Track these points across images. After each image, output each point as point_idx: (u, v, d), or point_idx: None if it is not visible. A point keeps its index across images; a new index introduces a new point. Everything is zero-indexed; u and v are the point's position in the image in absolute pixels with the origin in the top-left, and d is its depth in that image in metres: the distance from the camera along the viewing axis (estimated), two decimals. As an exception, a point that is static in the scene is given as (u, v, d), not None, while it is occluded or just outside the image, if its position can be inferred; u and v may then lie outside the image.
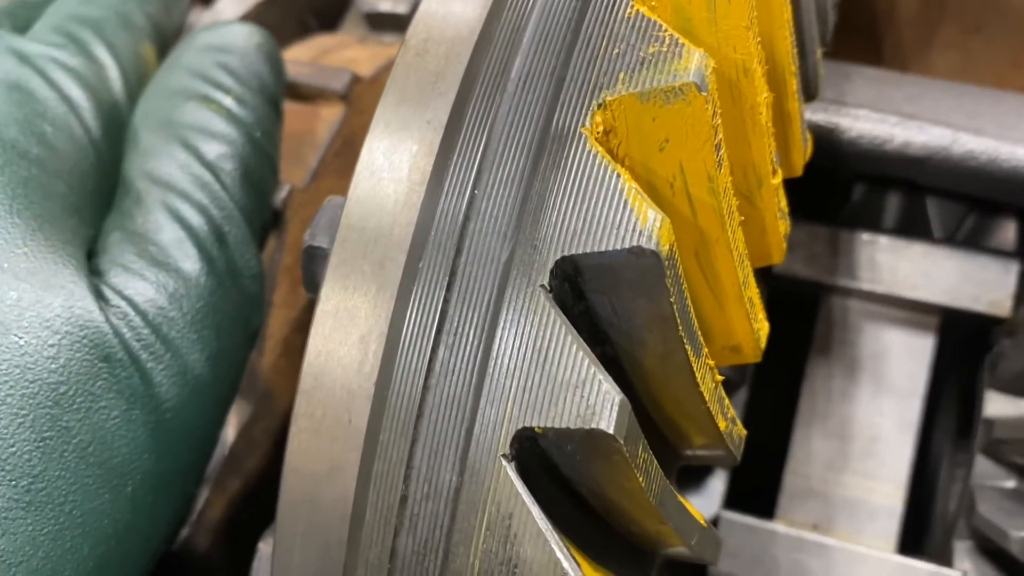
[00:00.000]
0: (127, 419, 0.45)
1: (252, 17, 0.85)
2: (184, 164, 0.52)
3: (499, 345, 0.40)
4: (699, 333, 0.42)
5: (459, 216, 0.43)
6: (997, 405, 0.68)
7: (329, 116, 0.73)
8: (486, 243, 0.42)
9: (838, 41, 1.06)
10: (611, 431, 0.37)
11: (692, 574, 0.68)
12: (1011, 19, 1.06)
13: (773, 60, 0.48)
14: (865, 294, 0.70)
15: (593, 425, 0.38)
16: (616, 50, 0.42)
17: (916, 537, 0.72)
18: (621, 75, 0.42)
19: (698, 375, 0.42)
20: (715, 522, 0.69)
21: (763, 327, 0.48)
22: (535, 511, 0.39)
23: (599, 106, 0.42)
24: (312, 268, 0.49)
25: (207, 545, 0.66)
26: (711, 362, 0.43)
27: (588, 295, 0.42)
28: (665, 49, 0.41)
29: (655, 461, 0.40)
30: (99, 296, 0.46)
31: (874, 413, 0.71)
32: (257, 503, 0.70)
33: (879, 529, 0.69)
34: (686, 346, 0.41)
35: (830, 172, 0.70)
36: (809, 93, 0.54)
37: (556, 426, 0.39)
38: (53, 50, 0.55)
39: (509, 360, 0.40)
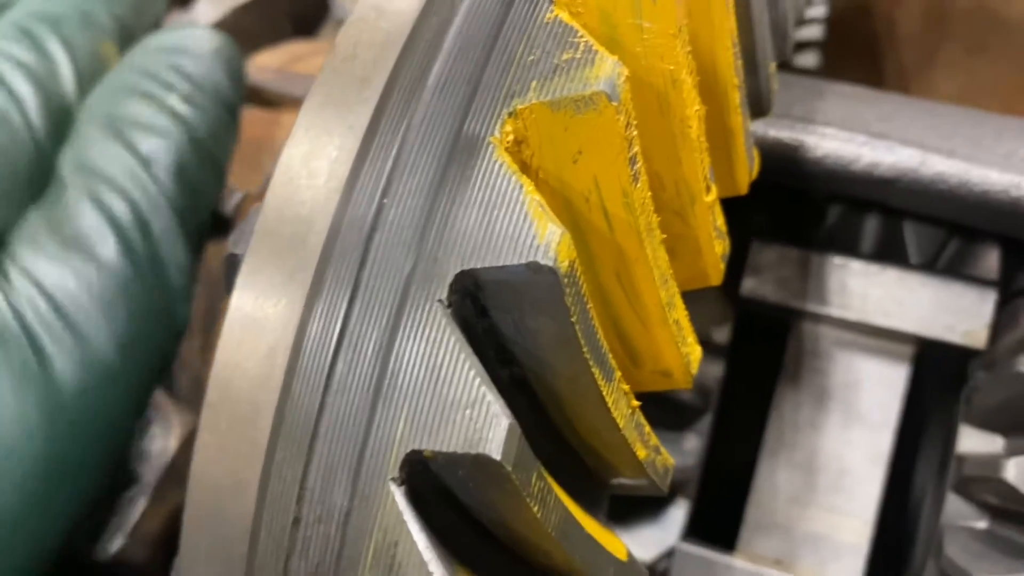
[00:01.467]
0: (18, 399, 0.44)
1: (229, 21, 0.84)
2: (115, 155, 0.52)
3: (395, 362, 0.38)
4: (609, 355, 0.40)
5: (366, 226, 0.41)
6: (970, 441, 0.65)
7: (291, 123, 0.71)
8: (390, 254, 0.40)
9: (838, 61, 1.03)
10: (498, 457, 0.35)
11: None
12: (1016, 40, 1.03)
13: (712, 72, 0.46)
14: (836, 321, 0.68)
15: (480, 450, 0.36)
16: (531, 56, 0.41)
17: (885, 574, 0.69)
18: (534, 83, 0.40)
19: (609, 400, 0.40)
20: (670, 553, 0.66)
21: (693, 351, 0.45)
22: (420, 539, 0.37)
23: (510, 114, 0.40)
24: (232, 276, 0.47)
25: (144, 557, 0.65)
26: (625, 386, 0.41)
27: (491, 312, 0.39)
28: (579, 56, 0.39)
29: (554, 491, 0.38)
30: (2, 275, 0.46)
31: (843, 445, 0.68)
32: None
33: (844, 567, 0.66)
34: (593, 369, 0.39)
35: (803, 193, 0.67)
36: (760, 108, 0.52)
37: (445, 450, 0.36)
38: (5, 44, 0.55)
39: (404, 378, 0.38)
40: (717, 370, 0.70)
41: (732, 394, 0.70)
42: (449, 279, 0.38)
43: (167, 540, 0.66)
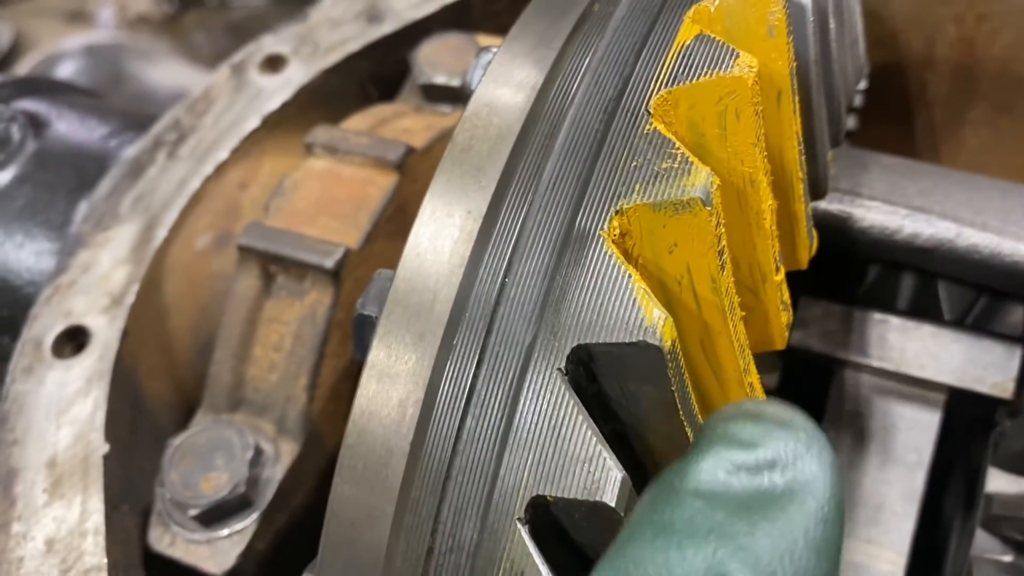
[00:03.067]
0: None
1: (316, 84, 0.92)
2: None
3: (519, 419, 0.46)
4: (699, 416, 0.47)
5: (491, 300, 0.49)
6: (998, 482, 0.72)
7: (384, 184, 0.79)
8: (513, 326, 0.48)
9: (871, 119, 1.11)
10: (613, 504, 0.43)
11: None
12: (1041, 101, 1.09)
13: (781, 168, 0.54)
14: (875, 370, 0.75)
15: (598, 498, 0.43)
16: (634, 163, 0.48)
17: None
18: (638, 186, 0.47)
19: (697, 453, 0.47)
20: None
21: (762, 409, 0.53)
22: (543, 569, 0.44)
23: (617, 212, 0.47)
24: (361, 333, 0.55)
25: (253, 572, 0.73)
26: (709, 442, 0.49)
27: (600, 379, 0.47)
28: (677, 165, 0.47)
29: (653, 530, 0.45)
30: None
31: (880, 483, 0.75)
32: (302, 537, 0.76)
33: (881, 594, 0.73)
34: (687, 428, 0.46)
35: (847, 255, 0.75)
36: (818, 192, 0.59)
37: (566, 496, 0.44)
38: None
39: (528, 434, 0.46)
40: (767, 413, 0.77)
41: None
42: (567, 351, 0.46)
43: (273, 559, 0.74)
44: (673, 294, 0.49)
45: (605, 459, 0.43)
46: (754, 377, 0.52)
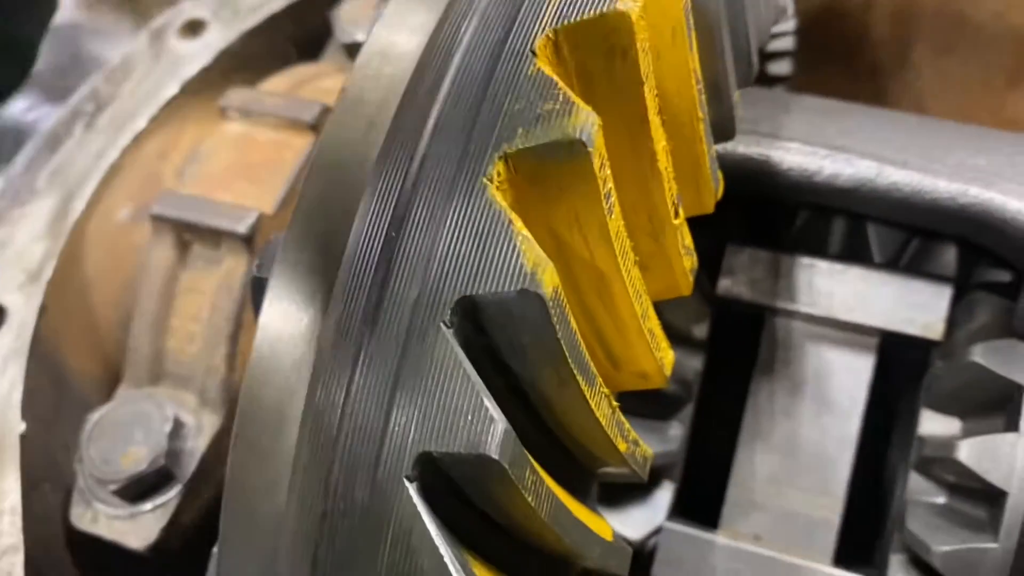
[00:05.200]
0: None
1: (237, 47, 0.89)
2: None
3: (405, 377, 0.44)
4: (591, 364, 0.46)
5: (376, 255, 0.47)
6: (930, 424, 0.71)
7: (300, 146, 0.77)
8: (400, 281, 0.46)
9: (814, 64, 1.09)
10: (496, 456, 0.41)
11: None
12: (981, 40, 1.08)
13: (678, 108, 0.52)
14: (806, 316, 0.74)
15: (481, 450, 0.42)
16: (518, 106, 0.46)
17: (863, 550, 0.75)
18: (520, 130, 0.46)
19: (592, 403, 0.46)
20: (657, 532, 0.73)
21: (666, 356, 0.52)
22: (432, 528, 0.43)
23: (500, 158, 0.46)
24: (258, 297, 0.54)
25: (179, 545, 0.71)
26: (605, 390, 0.47)
27: (488, 330, 0.45)
28: (559, 107, 0.45)
29: (546, 483, 0.44)
30: None
31: (816, 430, 0.74)
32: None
33: (817, 542, 0.72)
34: (577, 377, 0.45)
35: (773, 199, 0.73)
36: (725, 133, 0.58)
37: (450, 451, 0.43)
38: None
39: (414, 390, 0.44)
40: (697, 363, 0.76)
41: (712, 385, 0.77)
42: (450, 304, 0.44)
43: (200, 530, 0.73)
44: (564, 242, 0.47)
45: (488, 410, 0.42)
46: (653, 323, 0.50)
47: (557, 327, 0.43)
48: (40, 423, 0.74)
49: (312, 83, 0.84)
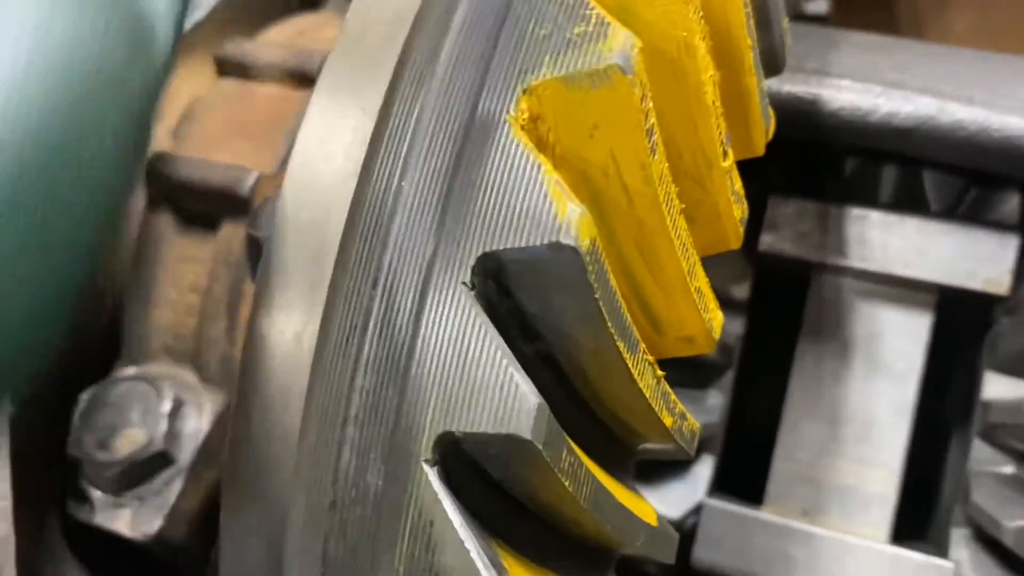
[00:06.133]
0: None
1: (233, -2, 0.83)
2: None
3: (421, 346, 0.39)
4: (633, 328, 0.40)
5: (386, 209, 0.41)
6: (996, 387, 0.65)
7: (300, 99, 0.71)
8: (411, 239, 0.40)
9: (852, 7, 1.02)
10: (528, 436, 0.36)
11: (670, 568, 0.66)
12: (1030, -24, 1.01)
13: (726, 34, 0.45)
14: (857, 272, 0.67)
15: (510, 430, 0.36)
16: (543, 31, 0.40)
17: (916, 525, 0.70)
18: (547, 58, 0.40)
19: (634, 371, 0.40)
20: (698, 509, 0.67)
21: (715, 317, 0.46)
22: (455, 518, 0.37)
23: (524, 91, 0.40)
24: (254, 258, 0.48)
25: (183, 535, 0.66)
26: (650, 357, 0.41)
27: (514, 292, 0.40)
28: (591, 29, 0.39)
29: (584, 464, 0.38)
30: None
31: (868, 396, 0.68)
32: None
33: (871, 517, 0.67)
34: (618, 343, 0.39)
35: (819, 146, 0.67)
36: (774, 66, 0.51)
37: (475, 431, 0.37)
38: None
39: (431, 362, 0.38)
40: (737, 327, 0.70)
41: (754, 350, 0.71)
42: (471, 262, 0.38)
43: (205, 518, 0.67)
44: (599, 187, 0.41)
45: (518, 384, 0.36)
46: (701, 280, 0.44)
47: (595, 285, 0.37)
48: (31, 400, 0.69)
49: (314, 32, 0.78)
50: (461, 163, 0.40)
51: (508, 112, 0.39)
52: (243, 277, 0.68)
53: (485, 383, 0.37)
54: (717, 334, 0.46)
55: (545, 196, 0.37)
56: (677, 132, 0.44)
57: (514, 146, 0.39)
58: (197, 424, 0.67)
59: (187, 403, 0.67)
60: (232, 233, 0.68)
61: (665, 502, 0.67)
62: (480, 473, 0.40)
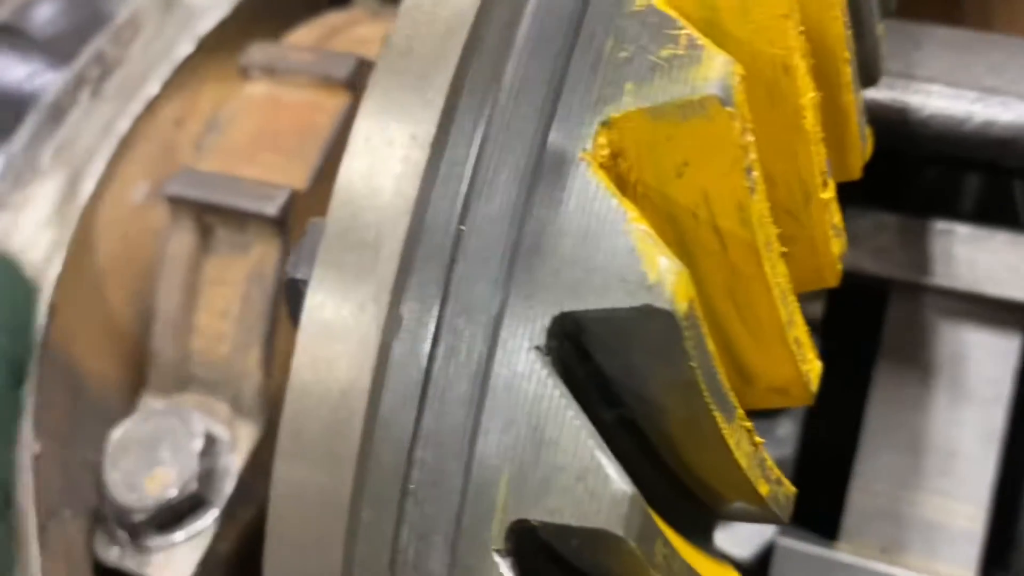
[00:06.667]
0: None
1: (259, -6, 0.78)
2: None
3: (488, 416, 0.34)
4: (731, 395, 0.35)
5: (444, 256, 0.36)
6: (1094, 415, 0.59)
7: (333, 107, 0.66)
8: (475, 292, 0.35)
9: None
10: (620, 533, 0.31)
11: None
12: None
13: (822, 50, 0.40)
14: (940, 291, 0.62)
15: (599, 524, 0.31)
16: (623, 53, 0.35)
17: (1001, 563, 0.64)
18: (628, 85, 0.34)
19: (731, 441, 0.35)
20: (769, 550, 0.62)
21: (813, 368, 0.41)
22: None
23: (603, 124, 0.34)
24: (295, 301, 0.43)
25: (219, 580, 0.62)
26: (747, 423, 0.36)
27: (594, 355, 0.35)
28: (681, 52, 0.34)
29: (678, 555, 0.34)
30: None
31: (952, 424, 0.63)
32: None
33: (957, 555, 0.61)
34: (714, 413, 0.34)
35: (898, 154, 0.61)
36: (871, 77, 0.46)
37: (556, 522, 0.32)
38: None
39: (501, 435, 0.34)
40: (811, 350, 0.64)
41: (828, 374, 0.65)
42: (546, 322, 0.33)
43: (242, 561, 0.63)
44: (688, 232, 0.36)
45: (607, 473, 0.31)
46: (800, 330, 0.39)
47: (691, 351, 0.32)
48: (56, 440, 0.65)
49: (345, 32, 0.73)
50: (531, 205, 0.35)
51: (584, 148, 0.34)
52: (278, 301, 0.63)
53: (565, 466, 0.32)
54: (815, 387, 0.41)
55: (632, 249, 0.32)
56: (772, 161, 0.39)
57: (593, 188, 0.34)
58: (230, 460, 0.63)
59: (220, 438, 0.63)
60: (264, 254, 0.63)
61: (735, 542, 0.62)
62: (556, 562, 0.35)
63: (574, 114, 0.35)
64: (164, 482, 0.60)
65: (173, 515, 0.60)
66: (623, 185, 0.35)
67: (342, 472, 0.38)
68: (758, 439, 0.37)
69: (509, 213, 0.35)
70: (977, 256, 0.61)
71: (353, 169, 0.40)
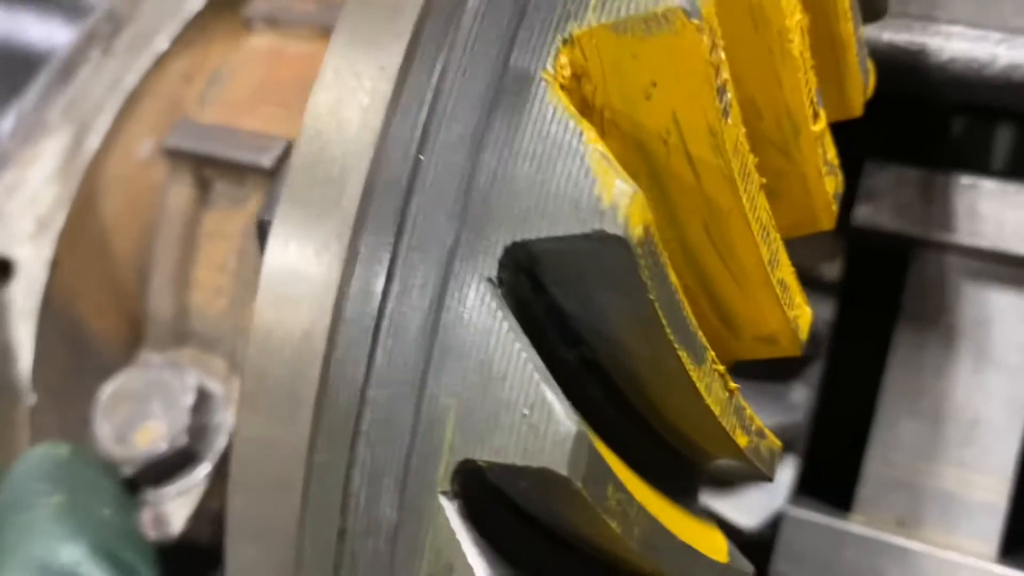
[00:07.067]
0: None
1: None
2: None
3: (439, 353, 0.32)
4: (698, 334, 0.33)
5: (401, 188, 0.35)
6: None
7: (335, 59, 0.64)
8: (430, 223, 0.34)
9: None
10: (564, 472, 0.29)
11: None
12: None
13: (814, -31, 0.37)
14: (965, 250, 0.58)
15: (543, 463, 0.29)
16: (589, -34, 0.33)
17: (1021, 535, 0.61)
18: (592, 0, 0.32)
19: (700, 385, 0.33)
20: (778, 519, 0.59)
21: (801, 314, 0.38)
22: (477, 563, 0.31)
23: (565, 41, 0.32)
24: (264, 241, 0.42)
25: (209, 535, 0.61)
26: (719, 367, 0.34)
27: (550, 288, 0.33)
28: (647, -38, 0.31)
29: (635, 502, 0.31)
30: None
31: (975, 391, 0.59)
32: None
33: (977, 530, 0.58)
34: (679, 352, 0.32)
35: (923, 103, 0.58)
36: (874, 11, 0.43)
37: (501, 461, 0.30)
38: None
39: (450, 373, 0.32)
40: (827, 311, 0.61)
41: (845, 338, 0.62)
42: (499, 253, 0.31)
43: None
44: (658, 159, 0.33)
45: (551, 406, 0.29)
46: (785, 271, 0.37)
47: (649, 283, 0.30)
48: (54, 393, 0.65)
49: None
50: (489, 132, 0.33)
51: (545, 67, 0.32)
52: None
53: (513, 402, 0.30)
54: (804, 334, 0.38)
55: (587, 172, 0.30)
56: (756, 89, 0.36)
57: (551, 110, 0.31)
58: (224, 416, 0.62)
59: (214, 394, 0.62)
60: (260, 206, 0.62)
61: (740, 509, 0.60)
62: (510, 506, 0.33)
63: (536, 33, 0.33)
64: (154, 435, 0.59)
65: (163, 469, 0.59)
66: (588, 110, 0.33)
67: (301, 415, 0.36)
68: (733, 384, 0.35)
69: (468, 141, 0.33)
70: (1004, 213, 0.57)
71: (320, 103, 0.38)
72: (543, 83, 0.32)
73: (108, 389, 0.62)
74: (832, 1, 0.38)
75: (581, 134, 0.30)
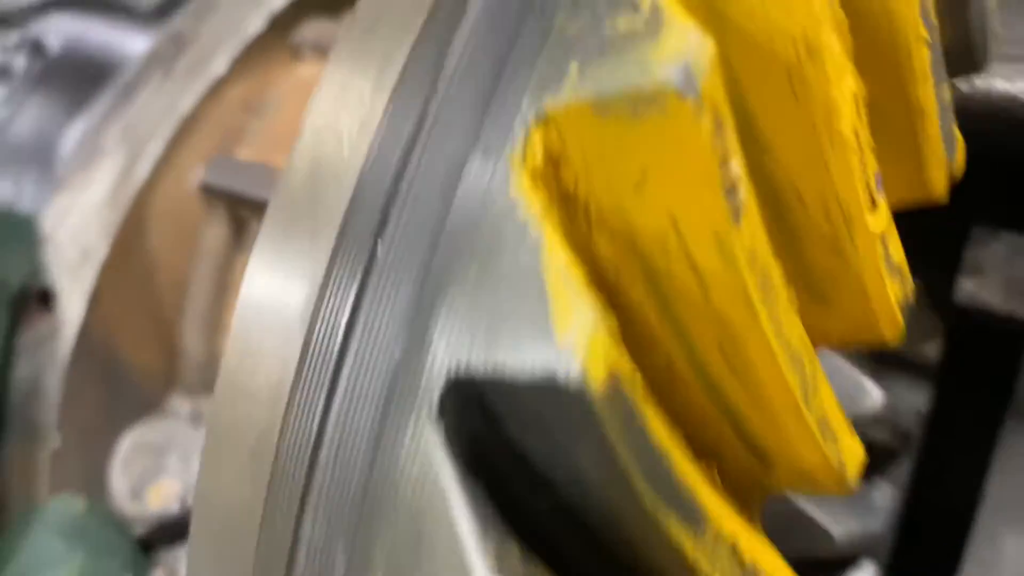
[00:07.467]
0: None
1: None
2: None
3: (370, 502, 0.26)
4: (696, 493, 0.26)
5: (343, 318, 0.28)
6: None
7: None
8: (378, 340, 0.28)
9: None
10: None
11: None
12: None
13: (880, 20, 0.29)
14: (1093, 336, 0.49)
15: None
16: (575, 25, 0.26)
17: None
18: (574, 66, 0.25)
19: (698, 556, 0.26)
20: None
21: (848, 452, 0.30)
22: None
23: (537, 118, 0.26)
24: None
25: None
26: (726, 528, 0.27)
27: (506, 421, 0.26)
28: (640, 25, 0.24)
29: None
30: None
31: (1102, 504, 0.50)
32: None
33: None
34: (664, 518, 0.25)
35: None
36: (971, 63, 0.34)
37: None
38: None
39: (383, 522, 0.26)
40: (920, 400, 0.53)
41: (942, 430, 0.53)
42: (439, 388, 0.25)
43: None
44: (656, 263, 0.27)
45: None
46: (826, 401, 0.29)
47: (617, 442, 0.23)
48: (82, 434, 0.62)
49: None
50: (441, 234, 0.26)
51: (511, 148, 0.26)
52: (222, 286, 0.58)
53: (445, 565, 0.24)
54: (853, 473, 0.31)
55: (540, 290, 0.23)
56: (797, 174, 0.29)
57: (508, 201, 0.25)
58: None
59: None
60: (212, 236, 0.58)
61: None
62: None
63: (508, 107, 0.27)
64: (167, 494, 0.56)
65: (177, 530, 0.56)
66: (570, 202, 0.26)
67: (239, 553, 0.31)
68: (748, 552, 0.27)
69: (418, 232, 0.27)
70: None
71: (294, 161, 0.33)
72: (503, 167, 0.26)
73: (127, 441, 0.58)
74: (905, 60, 0.30)
75: (540, 239, 0.24)
